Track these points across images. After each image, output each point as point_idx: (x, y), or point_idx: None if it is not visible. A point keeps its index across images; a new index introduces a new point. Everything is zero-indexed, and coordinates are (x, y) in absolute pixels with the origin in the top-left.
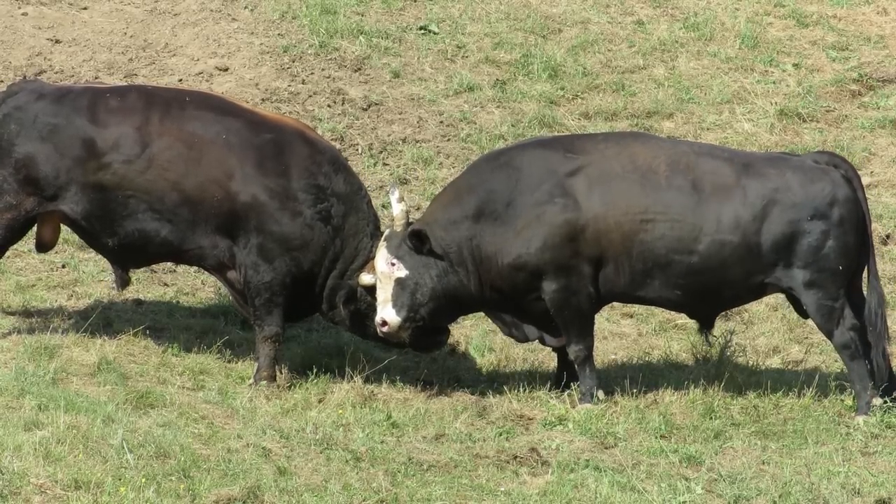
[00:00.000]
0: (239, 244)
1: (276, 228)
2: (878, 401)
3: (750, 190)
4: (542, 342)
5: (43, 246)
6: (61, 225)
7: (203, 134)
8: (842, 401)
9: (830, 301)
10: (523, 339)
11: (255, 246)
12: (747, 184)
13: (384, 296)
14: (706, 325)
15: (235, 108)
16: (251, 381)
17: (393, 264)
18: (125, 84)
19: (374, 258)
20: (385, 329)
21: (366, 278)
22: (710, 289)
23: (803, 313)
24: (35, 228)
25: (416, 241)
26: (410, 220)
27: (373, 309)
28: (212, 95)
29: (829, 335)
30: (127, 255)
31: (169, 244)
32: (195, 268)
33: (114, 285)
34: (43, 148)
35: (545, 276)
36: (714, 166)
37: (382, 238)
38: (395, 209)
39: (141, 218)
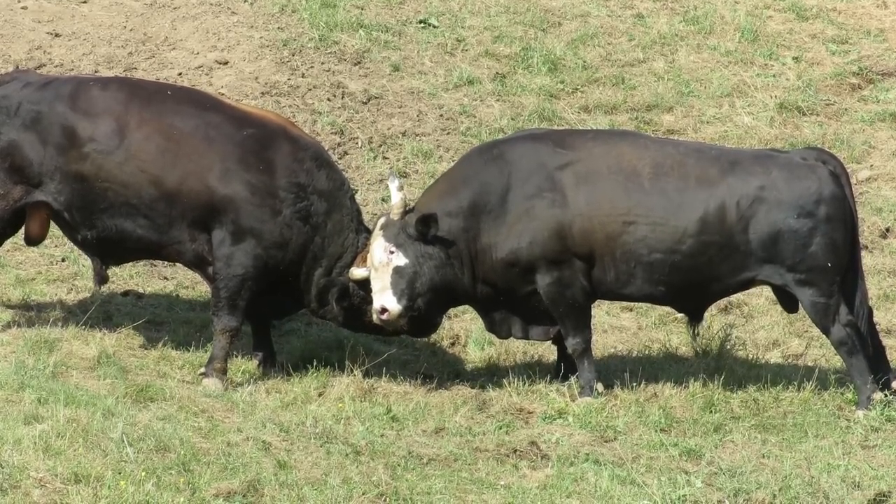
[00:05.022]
0: (215, 237)
1: (253, 224)
2: (878, 395)
3: (735, 189)
4: (528, 337)
5: (31, 240)
6: (49, 220)
7: (182, 127)
8: (842, 394)
9: (824, 298)
10: (507, 335)
11: (229, 240)
12: (733, 183)
13: (381, 284)
14: (695, 318)
15: (217, 103)
16: (202, 370)
17: (392, 252)
18: (110, 76)
19: (362, 252)
20: (384, 316)
21: (357, 272)
22: (695, 285)
23: (788, 308)
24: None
25: (424, 225)
26: (408, 209)
27: (366, 302)
28: (195, 90)
29: (826, 332)
30: (106, 250)
31: (147, 239)
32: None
33: (93, 281)
34: (27, 136)
35: (538, 270)
36: (700, 167)
37: (378, 226)
38: (395, 197)
39: (118, 212)
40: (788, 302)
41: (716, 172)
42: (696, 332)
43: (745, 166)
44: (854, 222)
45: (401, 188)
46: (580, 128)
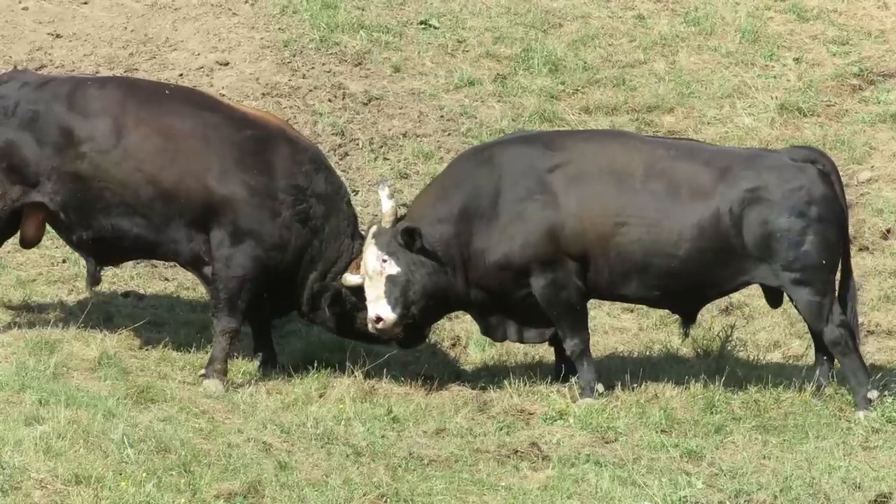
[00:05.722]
0: (214, 238)
1: (253, 226)
2: (874, 393)
3: (727, 193)
4: (523, 341)
5: (26, 242)
6: (45, 223)
7: (181, 127)
8: (842, 395)
9: (819, 297)
10: (502, 338)
11: (228, 241)
12: (724, 187)
13: (376, 293)
14: (688, 320)
15: (216, 104)
16: (202, 371)
17: (384, 261)
18: (109, 75)
19: (357, 258)
20: (380, 325)
21: (351, 279)
22: (691, 289)
23: (773, 303)
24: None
25: (408, 238)
26: (399, 217)
27: (357, 308)
28: (193, 90)
29: (820, 333)
30: (102, 250)
31: (143, 238)
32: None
33: (86, 282)
34: (24, 136)
35: (532, 273)
36: (691, 169)
37: (370, 234)
38: (385, 205)
39: (115, 211)
40: (772, 296)
41: (708, 176)
42: (688, 331)
43: (735, 169)
44: (845, 221)
45: (391, 196)
46: (571, 129)
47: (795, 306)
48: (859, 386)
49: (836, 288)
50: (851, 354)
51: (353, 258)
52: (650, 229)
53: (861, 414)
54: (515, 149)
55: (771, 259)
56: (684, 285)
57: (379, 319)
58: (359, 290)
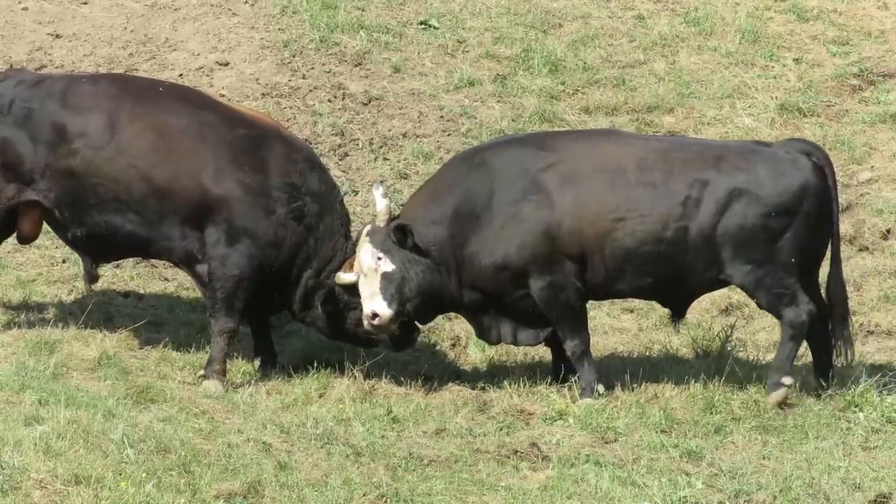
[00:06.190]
0: (209, 236)
1: (248, 224)
2: (788, 380)
3: (718, 184)
4: (517, 343)
5: (23, 238)
6: (42, 219)
7: (175, 125)
8: (842, 395)
9: (780, 289)
10: (496, 340)
11: (224, 240)
12: (716, 177)
13: (371, 290)
14: (678, 314)
15: (210, 102)
16: (201, 372)
17: (379, 258)
18: (103, 72)
19: (350, 258)
20: (376, 322)
21: (345, 276)
22: (675, 276)
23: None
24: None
25: (400, 235)
26: (393, 216)
27: (349, 308)
28: (187, 88)
29: (778, 315)
30: (96, 247)
31: (136, 235)
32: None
33: (83, 280)
34: (19, 133)
35: (530, 274)
36: (683, 161)
37: (364, 233)
38: (379, 204)
39: (108, 207)
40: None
41: (700, 167)
42: (677, 326)
43: (729, 161)
44: (835, 213)
45: (385, 195)
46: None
47: (752, 294)
48: (780, 372)
49: (827, 281)
50: (797, 343)
51: (346, 258)
52: (644, 219)
53: (862, 415)
54: (507, 151)
55: (742, 254)
56: (672, 271)
57: (375, 315)
58: (353, 288)
